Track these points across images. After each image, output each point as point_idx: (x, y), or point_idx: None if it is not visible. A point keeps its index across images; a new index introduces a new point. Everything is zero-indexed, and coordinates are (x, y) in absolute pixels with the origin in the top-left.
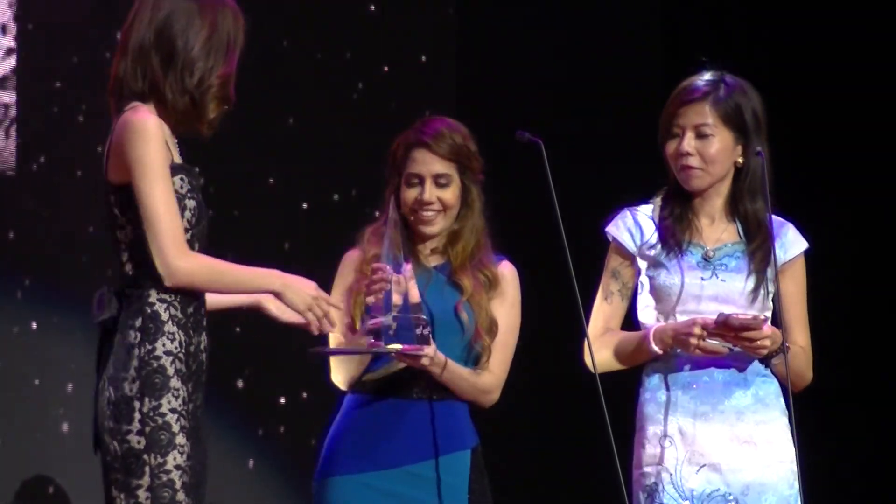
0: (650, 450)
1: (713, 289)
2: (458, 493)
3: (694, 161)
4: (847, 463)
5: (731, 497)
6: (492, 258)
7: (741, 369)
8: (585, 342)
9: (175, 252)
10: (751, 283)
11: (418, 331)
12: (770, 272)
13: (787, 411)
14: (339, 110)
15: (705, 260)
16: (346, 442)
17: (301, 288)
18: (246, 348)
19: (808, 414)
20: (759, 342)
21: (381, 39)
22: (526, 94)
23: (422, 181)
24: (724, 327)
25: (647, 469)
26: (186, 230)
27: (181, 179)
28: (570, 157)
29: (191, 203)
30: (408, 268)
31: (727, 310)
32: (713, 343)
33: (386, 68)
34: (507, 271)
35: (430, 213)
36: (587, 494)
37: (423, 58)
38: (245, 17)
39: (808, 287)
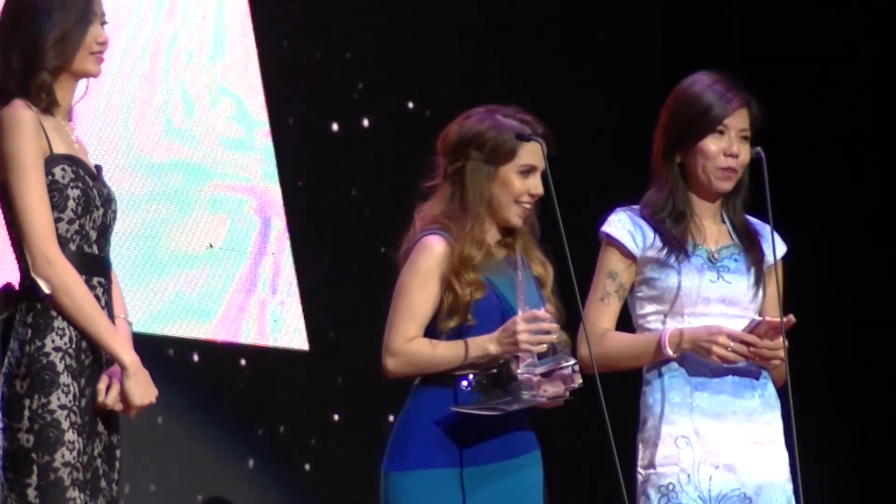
0: (664, 450)
1: (721, 291)
2: (536, 492)
3: (736, 163)
4: (845, 462)
5: (746, 497)
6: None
7: (750, 371)
8: (580, 342)
9: (41, 249)
10: (753, 285)
11: (567, 370)
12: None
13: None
14: (339, 110)
15: (710, 262)
16: (437, 435)
17: (146, 386)
18: (245, 348)
19: (805, 414)
20: (776, 352)
21: (381, 39)
22: (526, 94)
23: (533, 173)
24: (743, 341)
25: (661, 469)
26: (72, 220)
27: (62, 169)
28: (569, 157)
29: (74, 192)
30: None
31: (733, 312)
32: (734, 355)
33: (386, 68)
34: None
35: (529, 207)
36: (587, 494)
37: (424, 57)
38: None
39: (806, 288)
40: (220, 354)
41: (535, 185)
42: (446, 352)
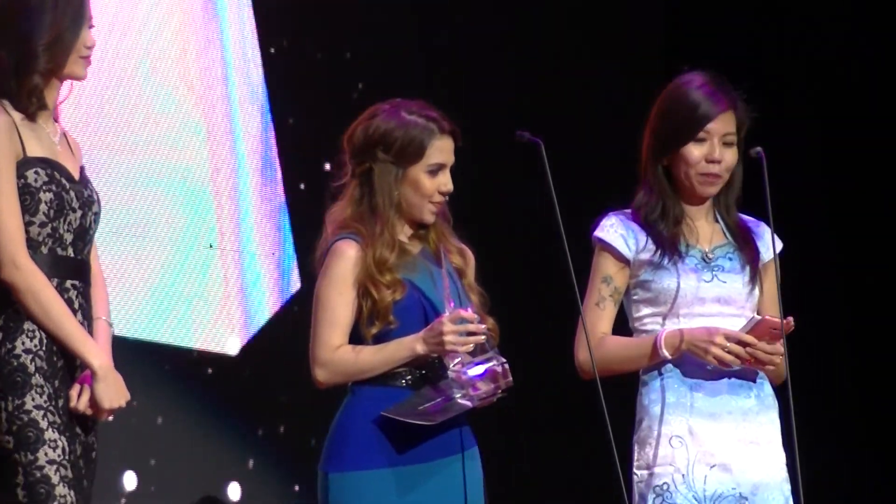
0: (660, 450)
1: (715, 291)
2: (478, 488)
3: (719, 169)
4: (842, 462)
5: (742, 497)
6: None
7: (746, 371)
8: (578, 346)
9: (9, 253)
10: (748, 283)
11: (499, 368)
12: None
13: (781, 412)
14: (339, 110)
15: (704, 262)
16: (375, 435)
17: (117, 389)
18: (245, 348)
19: (802, 413)
20: (772, 356)
21: (381, 39)
22: (526, 94)
23: (443, 171)
24: (741, 341)
25: (657, 470)
26: (44, 223)
27: (35, 173)
28: (569, 157)
29: (47, 196)
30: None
31: (728, 311)
32: (731, 357)
33: (386, 68)
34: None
35: (441, 204)
36: (587, 494)
37: (423, 57)
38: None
39: (805, 286)
40: (220, 354)
41: (445, 181)
42: (372, 357)
